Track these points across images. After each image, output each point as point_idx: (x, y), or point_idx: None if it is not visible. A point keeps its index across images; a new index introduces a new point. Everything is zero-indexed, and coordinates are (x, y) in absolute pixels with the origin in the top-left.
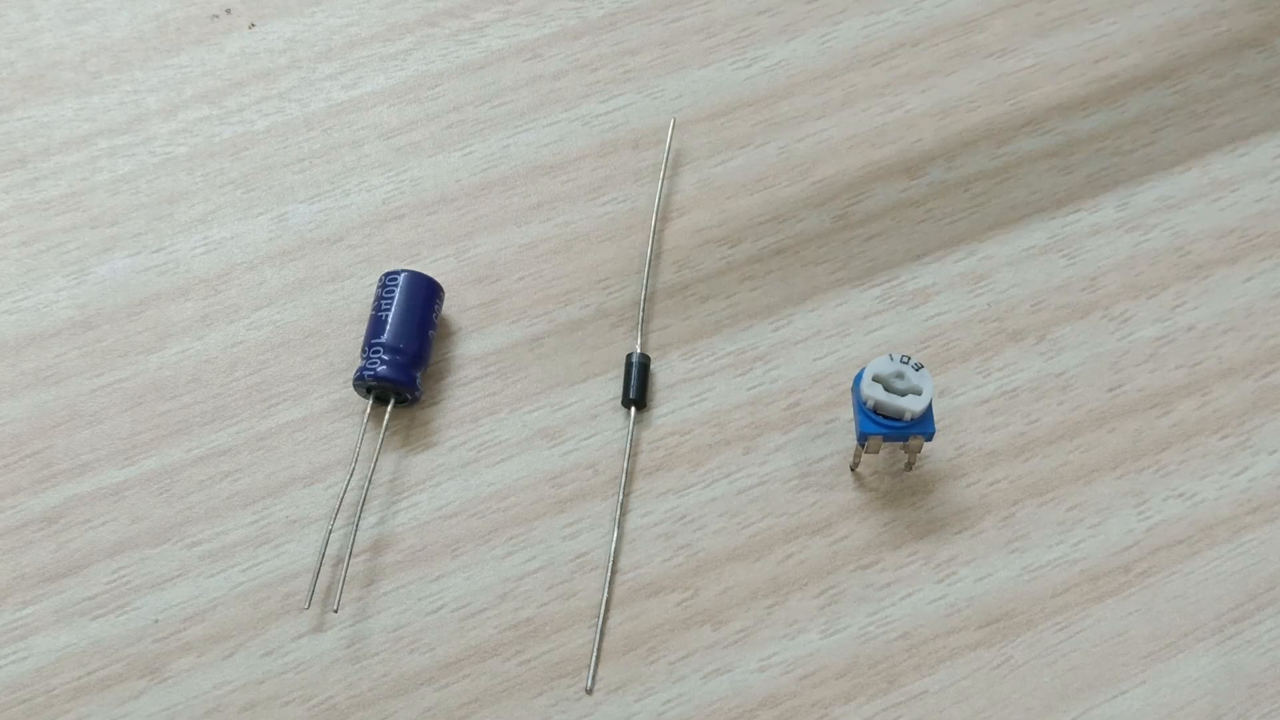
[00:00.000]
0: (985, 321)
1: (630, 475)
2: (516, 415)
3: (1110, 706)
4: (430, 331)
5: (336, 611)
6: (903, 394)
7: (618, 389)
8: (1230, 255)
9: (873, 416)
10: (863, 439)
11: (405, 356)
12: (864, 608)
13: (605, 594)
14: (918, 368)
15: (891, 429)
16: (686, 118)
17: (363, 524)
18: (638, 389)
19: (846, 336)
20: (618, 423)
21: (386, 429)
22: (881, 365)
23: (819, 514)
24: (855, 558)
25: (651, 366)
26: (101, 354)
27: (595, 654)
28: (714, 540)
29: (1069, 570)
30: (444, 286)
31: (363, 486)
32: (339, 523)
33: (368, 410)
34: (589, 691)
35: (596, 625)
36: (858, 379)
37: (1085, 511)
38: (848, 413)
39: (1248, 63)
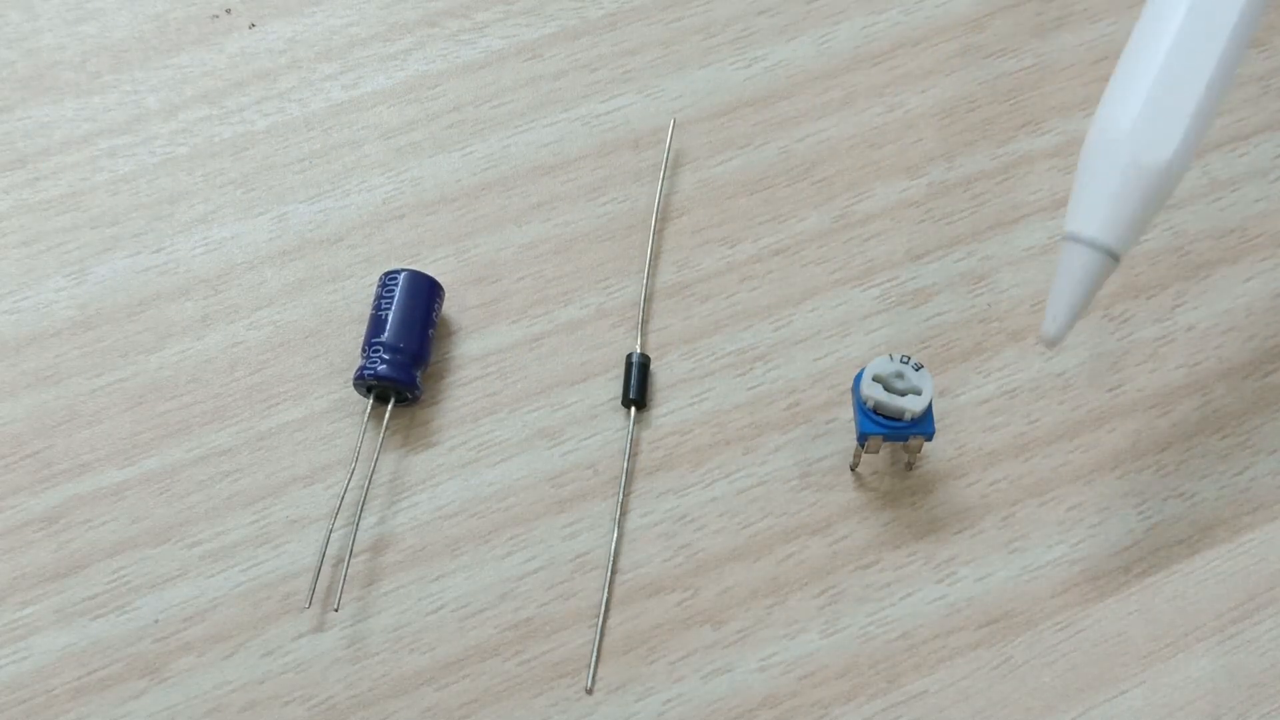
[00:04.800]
0: (985, 321)
1: (630, 475)
2: (516, 415)
3: (1110, 706)
4: (430, 331)
5: (337, 611)
6: (903, 394)
7: (618, 389)
8: (1230, 255)
9: (873, 416)
10: (863, 439)
11: (406, 356)
12: (864, 608)
13: (605, 594)
14: (918, 368)
15: (891, 429)
16: (686, 118)
17: (363, 524)
18: (638, 389)
19: (846, 336)
20: (618, 423)
21: (386, 429)
22: (881, 365)
23: (819, 514)
24: (855, 558)
25: (651, 366)
26: (101, 354)
27: (595, 654)
28: (714, 540)
29: (1069, 570)
30: (444, 286)
31: (363, 486)
32: (339, 522)
33: (368, 410)
34: (589, 691)
35: (596, 625)
36: (858, 379)
37: (1085, 511)
38: (848, 413)
39: (1248, 63)
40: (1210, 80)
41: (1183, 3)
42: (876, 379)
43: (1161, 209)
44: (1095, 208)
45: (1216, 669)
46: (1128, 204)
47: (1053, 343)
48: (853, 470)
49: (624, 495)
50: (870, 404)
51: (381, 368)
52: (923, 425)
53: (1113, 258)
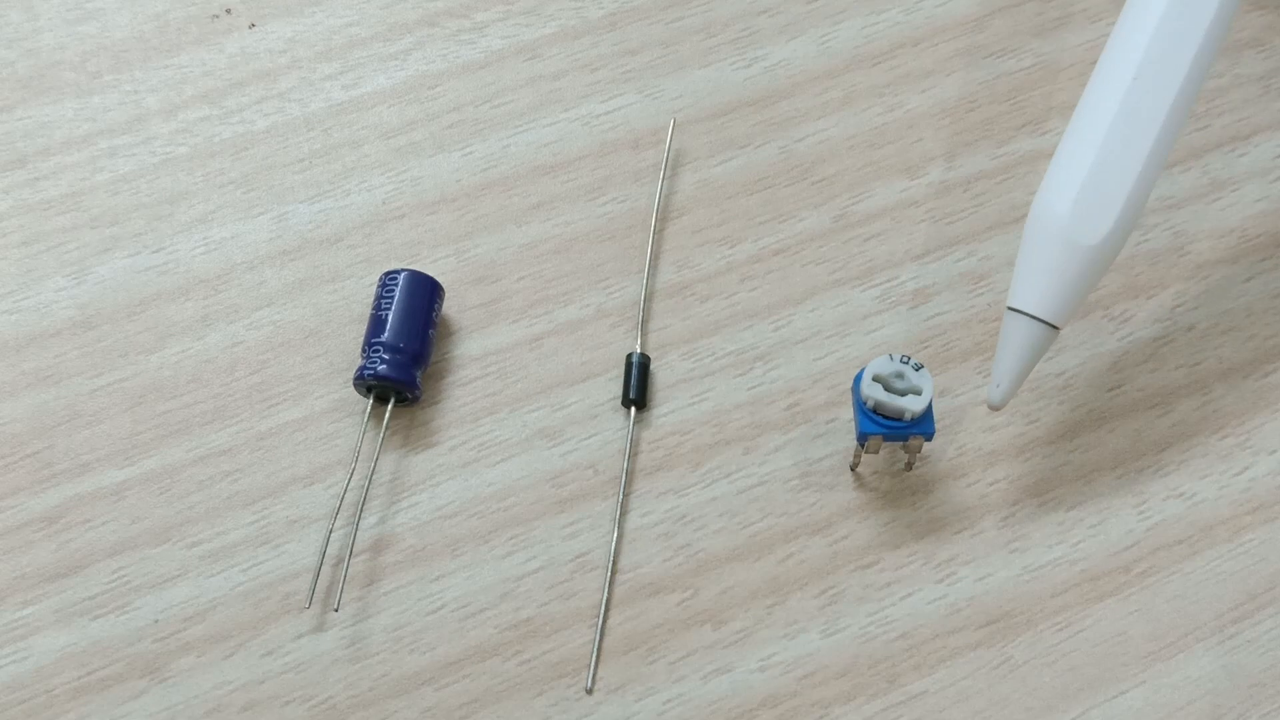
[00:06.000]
0: (985, 321)
1: (630, 475)
2: (516, 415)
3: (1110, 706)
4: (431, 331)
5: (337, 611)
6: (903, 394)
7: (618, 389)
8: (1230, 255)
9: (873, 416)
10: (863, 439)
11: (406, 356)
12: (864, 608)
13: (605, 594)
14: (918, 368)
15: (891, 429)
16: (686, 118)
17: (363, 524)
18: (638, 389)
19: (846, 336)
20: (618, 423)
21: (386, 429)
22: (881, 365)
23: (819, 514)
24: (855, 558)
25: (651, 366)
26: (101, 354)
27: (595, 654)
28: (714, 540)
29: (1069, 570)
30: (444, 286)
31: (363, 486)
32: (339, 522)
33: (368, 410)
34: (589, 691)
35: (596, 625)
36: (858, 379)
37: (1085, 511)
38: (848, 413)
39: (1248, 63)
40: (1145, 164)
41: (1119, 89)
42: (876, 379)
43: (1100, 279)
44: (1035, 283)
45: (1216, 669)
46: (1065, 280)
47: (998, 407)
48: (853, 470)
49: (624, 495)
50: (870, 404)
51: (381, 368)
52: (923, 425)
53: (1052, 328)
